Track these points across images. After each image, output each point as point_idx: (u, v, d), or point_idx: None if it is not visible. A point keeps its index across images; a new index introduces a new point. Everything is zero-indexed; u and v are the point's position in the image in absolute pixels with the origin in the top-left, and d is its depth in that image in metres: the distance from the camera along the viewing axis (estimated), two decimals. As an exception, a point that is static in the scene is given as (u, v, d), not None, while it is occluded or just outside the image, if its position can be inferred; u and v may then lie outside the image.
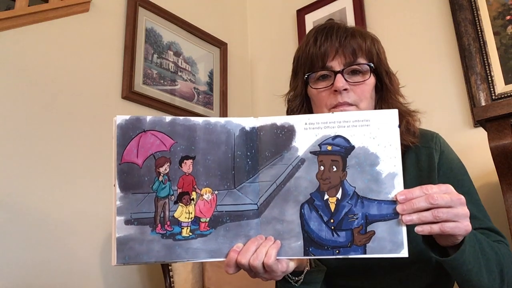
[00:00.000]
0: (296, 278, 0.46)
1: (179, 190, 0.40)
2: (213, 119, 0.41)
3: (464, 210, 0.40)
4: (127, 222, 0.39)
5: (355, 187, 0.40)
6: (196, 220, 0.40)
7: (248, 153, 0.41)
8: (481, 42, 1.06)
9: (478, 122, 0.82)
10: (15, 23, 0.94)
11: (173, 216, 0.40)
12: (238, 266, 0.40)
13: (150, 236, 0.39)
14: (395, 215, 0.39)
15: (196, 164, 0.40)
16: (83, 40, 1.07)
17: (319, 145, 0.41)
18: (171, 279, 0.95)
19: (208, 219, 0.40)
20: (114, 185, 0.39)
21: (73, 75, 1.03)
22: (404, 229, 0.39)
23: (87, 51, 1.07)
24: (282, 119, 0.42)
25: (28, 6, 0.99)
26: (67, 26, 1.04)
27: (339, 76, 0.54)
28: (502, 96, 1.02)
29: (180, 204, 0.40)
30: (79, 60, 1.05)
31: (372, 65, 0.56)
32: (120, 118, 0.40)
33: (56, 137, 0.96)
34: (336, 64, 0.55)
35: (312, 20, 1.39)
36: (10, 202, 0.87)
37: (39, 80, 0.97)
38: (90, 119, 1.03)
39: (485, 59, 1.05)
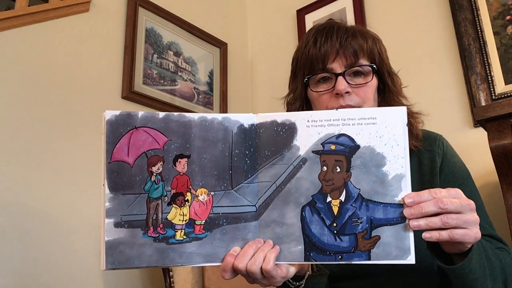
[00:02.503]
0: (297, 283, 0.44)
1: (173, 191, 0.38)
2: (209, 116, 0.39)
3: (474, 217, 0.38)
4: (117, 224, 0.37)
5: (359, 189, 0.38)
6: (190, 223, 0.38)
7: (247, 152, 0.39)
8: (481, 42, 1.06)
9: (478, 122, 0.81)
10: (15, 23, 0.93)
11: (166, 218, 0.38)
12: (235, 271, 0.38)
13: (142, 240, 0.37)
14: (402, 219, 0.37)
15: (191, 163, 0.38)
16: (83, 40, 1.06)
17: (322, 144, 0.39)
18: (171, 279, 0.95)
19: (204, 221, 0.38)
20: (103, 185, 0.37)
21: (73, 75, 1.02)
22: (411, 235, 0.37)
23: (87, 51, 1.06)
24: (283, 116, 0.39)
25: (28, 6, 0.98)
26: (67, 26, 1.03)
27: (340, 78, 0.52)
28: (502, 96, 1.02)
29: (174, 205, 0.38)
30: (79, 60, 1.04)
31: (374, 66, 0.54)
32: (110, 114, 0.37)
33: (56, 137, 0.96)
34: (337, 66, 0.53)
35: (312, 20, 1.38)
36: (9, 202, 0.85)
37: (39, 80, 0.96)
38: (90, 119, 1.02)
39: (485, 59, 1.04)
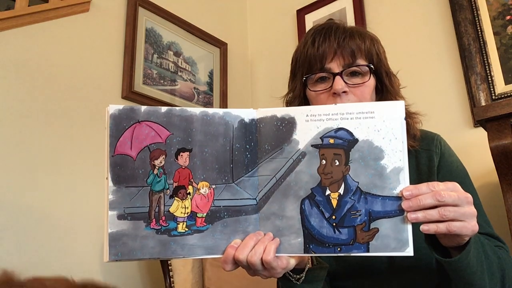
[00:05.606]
0: (298, 276, 0.45)
1: (175, 184, 0.39)
2: (211, 110, 0.40)
3: (471, 210, 0.38)
4: (120, 217, 0.37)
5: (358, 182, 0.38)
6: (192, 215, 0.39)
7: (247, 146, 0.40)
8: (481, 42, 1.06)
9: (478, 122, 0.81)
10: (15, 23, 0.94)
11: (169, 211, 0.38)
12: (236, 263, 0.39)
13: (144, 232, 0.38)
14: (400, 212, 0.38)
15: (193, 157, 0.39)
16: (83, 40, 1.06)
17: (321, 138, 0.39)
18: (171, 279, 0.94)
19: (205, 214, 0.39)
20: (107, 178, 0.38)
21: (73, 75, 1.03)
22: (409, 227, 0.38)
23: (87, 51, 1.07)
24: (283, 111, 0.40)
25: (28, 6, 0.99)
26: (67, 26, 1.04)
27: (338, 78, 0.53)
28: (502, 96, 1.02)
29: (176, 198, 0.39)
30: (79, 60, 1.05)
31: (372, 66, 0.55)
32: (113, 108, 0.38)
33: (56, 137, 0.96)
34: (334, 66, 0.54)
35: (312, 20, 1.39)
36: (10, 201, 0.86)
37: (39, 80, 0.96)
38: (90, 119, 1.03)
39: (485, 59, 1.05)
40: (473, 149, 0.99)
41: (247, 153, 0.40)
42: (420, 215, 0.37)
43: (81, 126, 1.01)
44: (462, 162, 0.58)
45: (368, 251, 0.38)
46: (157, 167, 0.38)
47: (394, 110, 0.39)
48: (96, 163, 1.00)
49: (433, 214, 0.37)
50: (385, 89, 0.57)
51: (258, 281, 0.47)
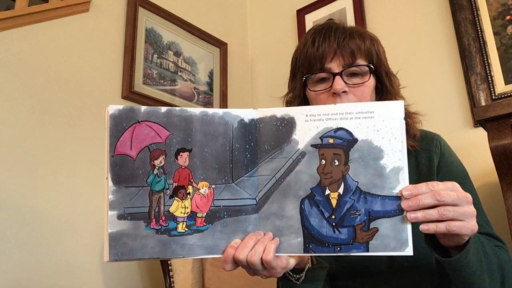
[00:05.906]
0: (297, 276, 0.45)
1: (175, 184, 0.39)
2: (210, 110, 0.40)
3: (471, 209, 0.39)
4: (120, 217, 0.38)
5: (357, 182, 0.38)
6: (192, 215, 0.39)
7: (247, 146, 0.40)
8: (481, 42, 1.06)
9: (478, 122, 0.81)
10: (15, 23, 0.94)
11: (169, 211, 0.38)
12: (236, 263, 0.39)
13: (144, 232, 0.38)
14: (400, 211, 0.38)
15: (193, 157, 0.39)
16: (83, 40, 1.07)
17: (320, 137, 0.39)
18: (171, 279, 0.95)
19: (205, 214, 0.39)
20: (107, 178, 0.38)
21: (73, 75, 1.03)
22: (409, 226, 0.38)
23: (87, 51, 1.07)
24: (282, 111, 0.40)
25: (28, 6, 0.99)
26: (67, 26, 1.04)
27: (337, 78, 0.53)
28: (502, 96, 1.02)
29: (176, 198, 0.39)
30: (79, 60, 1.05)
31: (372, 66, 0.55)
32: (113, 108, 0.38)
33: (56, 137, 0.96)
34: (334, 66, 0.54)
35: (312, 20, 1.39)
36: (10, 201, 0.86)
37: (39, 80, 0.96)
38: (91, 119, 1.03)
39: (485, 59, 1.05)
40: (473, 149, 0.99)
41: (247, 153, 0.40)
42: (419, 215, 0.37)
43: (81, 126, 1.01)
44: (462, 162, 0.58)
45: (367, 250, 0.38)
46: (157, 167, 0.38)
47: (393, 110, 0.39)
48: (96, 163, 1.01)
49: (433, 213, 0.37)
50: (385, 89, 0.57)
51: (258, 281, 0.48)
